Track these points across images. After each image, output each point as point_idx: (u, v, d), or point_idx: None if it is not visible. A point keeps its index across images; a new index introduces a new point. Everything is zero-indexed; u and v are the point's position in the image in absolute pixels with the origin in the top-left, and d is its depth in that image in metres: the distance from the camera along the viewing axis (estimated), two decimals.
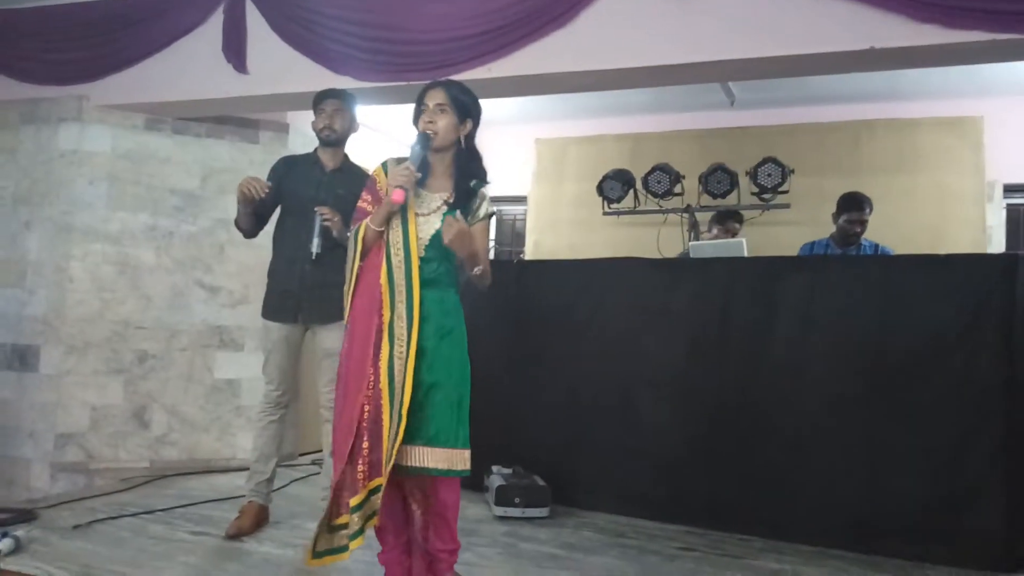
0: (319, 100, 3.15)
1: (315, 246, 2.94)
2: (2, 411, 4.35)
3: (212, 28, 4.04)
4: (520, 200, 6.30)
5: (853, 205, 4.14)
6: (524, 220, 6.37)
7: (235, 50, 3.90)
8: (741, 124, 5.64)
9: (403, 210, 2.29)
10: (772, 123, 5.60)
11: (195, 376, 4.52)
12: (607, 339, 3.70)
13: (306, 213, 3.00)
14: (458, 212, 2.31)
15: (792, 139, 5.43)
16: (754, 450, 3.31)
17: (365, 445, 2.19)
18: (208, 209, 4.56)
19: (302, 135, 4.70)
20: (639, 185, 5.26)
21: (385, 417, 2.19)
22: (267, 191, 2.95)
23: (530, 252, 6.04)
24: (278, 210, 3.21)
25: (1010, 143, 5.19)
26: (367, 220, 2.32)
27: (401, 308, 2.25)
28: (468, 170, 2.37)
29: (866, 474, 3.11)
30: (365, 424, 2.20)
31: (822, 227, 4.40)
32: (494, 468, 3.73)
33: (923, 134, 5.39)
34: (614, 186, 5.29)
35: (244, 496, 3.15)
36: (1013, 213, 5.39)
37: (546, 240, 5.99)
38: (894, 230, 4.76)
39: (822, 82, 4.94)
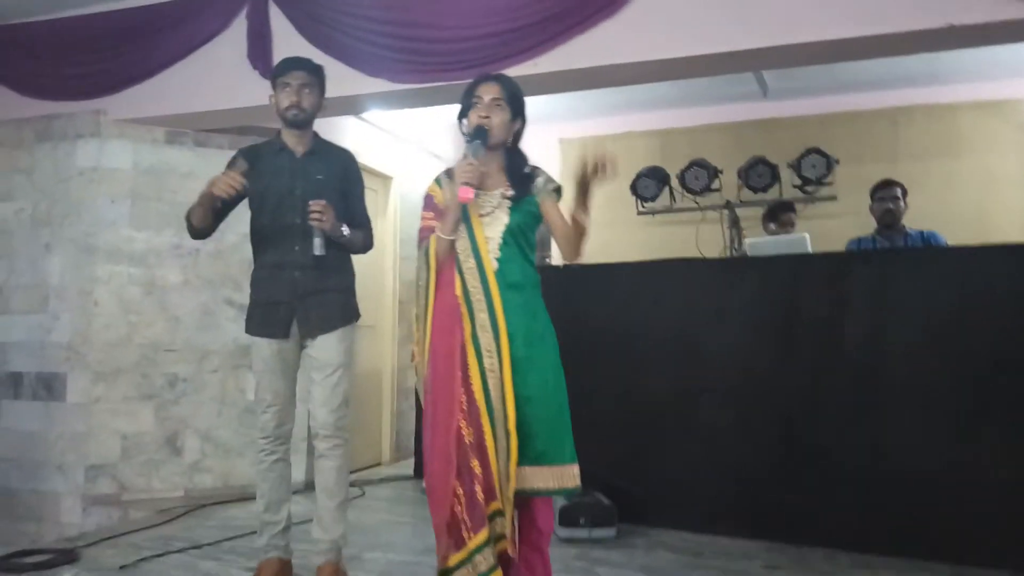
0: (282, 72, 2.63)
1: (317, 247, 2.48)
2: (29, 444, 4.17)
3: (234, 34, 3.87)
4: None
5: (881, 185, 4.09)
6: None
7: (261, 55, 3.72)
8: (775, 115, 5.47)
9: (464, 215, 2.14)
10: (807, 113, 5.43)
11: (228, 398, 4.33)
12: (665, 344, 3.54)
13: (283, 210, 2.57)
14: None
15: (828, 129, 5.27)
16: (832, 456, 3.14)
17: (475, 464, 2.01)
18: (234, 223, 4.24)
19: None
20: (674, 182, 5.10)
21: (489, 439, 2.02)
22: (241, 186, 2.49)
23: (560, 256, 5.85)
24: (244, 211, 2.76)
25: None
26: (436, 231, 2.15)
27: (483, 317, 2.09)
28: (519, 163, 2.23)
29: (956, 481, 2.94)
30: (470, 446, 2.02)
31: (865, 217, 4.23)
32: None
33: (963, 118, 5.23)
34: (648, 184, 5.13)
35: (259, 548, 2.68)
36: None
37: None
38: (937, 217, 4.59)
39: (857, 68, 4.77)
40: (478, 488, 1.98)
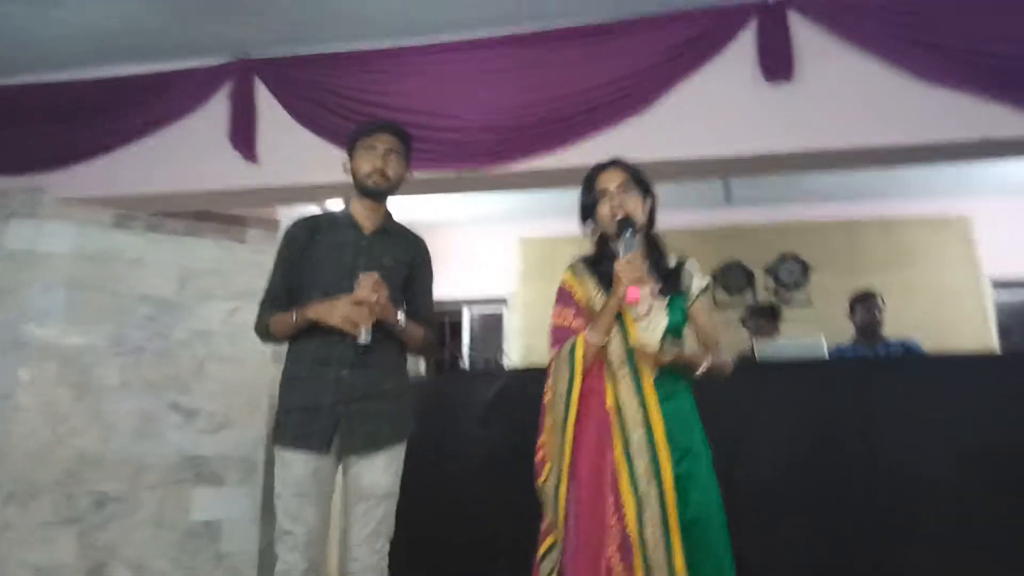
0: (367, 133, 2.32)
1: (363, 335, 2.11)
2: None
3: (209, 112, 3.54)
4: (501, 302, 5.89)
5: (861, 295, 4.17)
6: (501, 321, 5.95)
7: (244, 136, 3.39)
8: (739, 222, 5.53)
9: (618, 316, 1.93)
10: (770, 221, 5.53)
11: (166, 520, 3.71)
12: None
13: (338, 292, 2.18)
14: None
15: (791, 237, 5.37)
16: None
17: None
18: (185, 318, 3.88)
19: None
20: None
21: (639, 570, 1.76)
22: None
23: (521, 356, 5.60)
24: None
25: (997, 241, 5.30)
26: (585, 335, 1.93)
27: (639, 435, 1.86)
28: (661, 252, 2.06)
29: None
30: None
31: (840, 323, 4.25)
32: None
33: (915, 232, 5.45)
34: None
35: None
36: (1005, 308, 5.45)
37: (540, 343, 5.55)
38: (894, 327, 4.67)
39: (817, 180, 4.94)
40: None
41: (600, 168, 2.11)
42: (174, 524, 3.72)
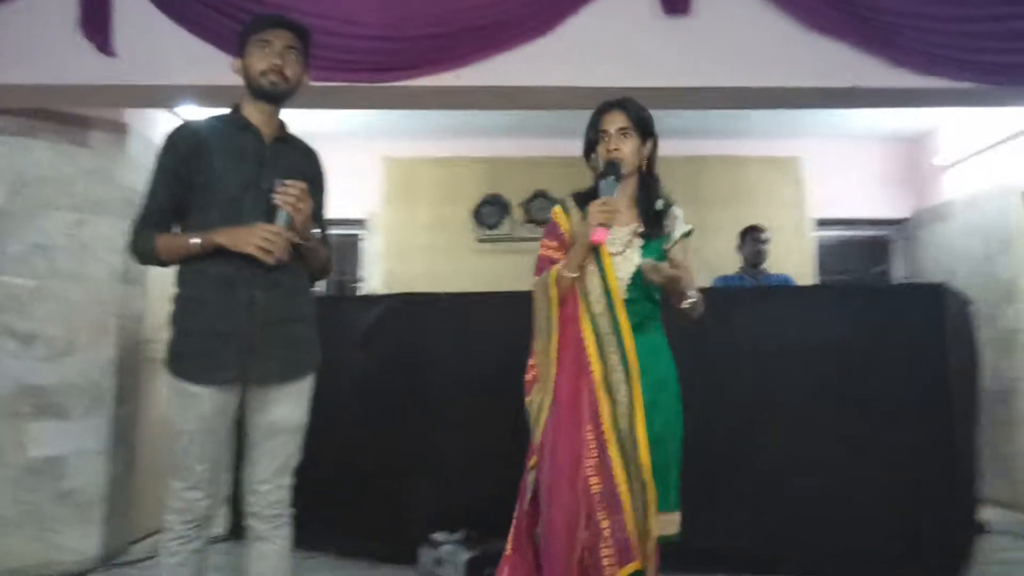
0: (260, 28, 2.04)
1: (281, 219, 1.92)
2: None
3: None
4: (360, 223, 5.68)
5: (750, 228, 4.52)
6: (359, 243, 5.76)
7: (99, 25, 2.95)
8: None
9: (595, 251, 2.02)
10: None
11: (2, 456, 3.33)
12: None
13: (242, 205, 1.96)
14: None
15: None
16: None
17: (605, 525, 1.86)
18: (19, 230, 3.42)
19: (143, 140, 3.77)
20: (516, 212, 5.05)
21: (623, 488, 1.90)
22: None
23: (382, 281, 5.48)
24: None
25: (821, 182, 5.84)
26: (558, 267, 2.02)
27: (614, 360, 1.98)
28: (651, 193, 2.13)
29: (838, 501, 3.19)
30: (598, 500, 1.88)
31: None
32: (437, 536, 3.24)
33: (752, 171, 5.87)
34: (491, 211, 5.01)
35: None
36: (824, 242, 6.06)
37: (401, 268, 5.47)
38: (731, 260, 5.07)
39: (664, 117, 5.13)
40: (604, 548, 1.85)
41: (604, 107, 2.13)
42: (12, 460, 3.36)
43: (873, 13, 2.92)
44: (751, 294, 3.96)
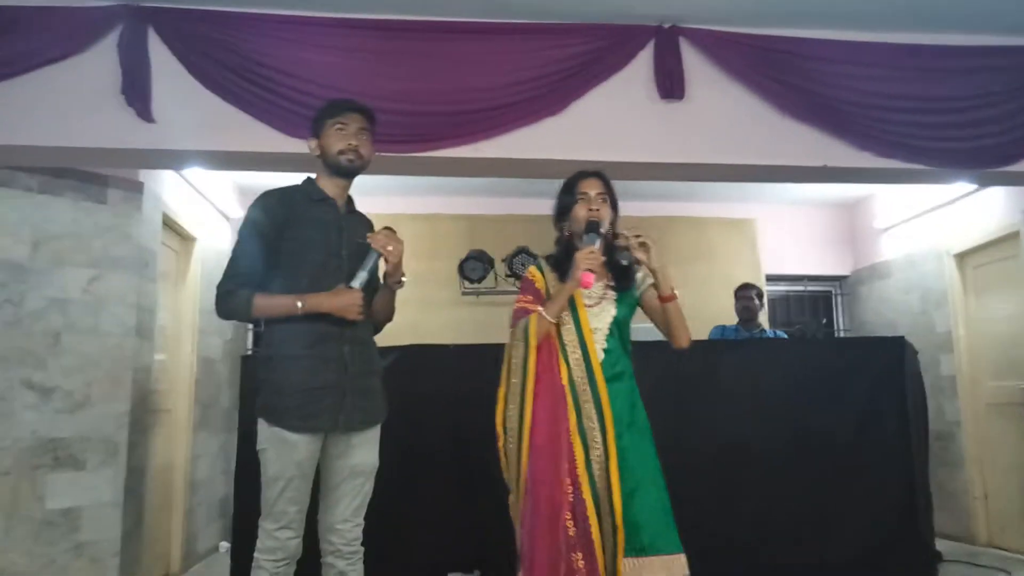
0: (337, 111, 2.32)
1: (359, 281, 2.18)
2: None
3: (91, 61, 3.20)
4: None
5: (742, 287, 4.92)
6: None
7: (139, 92, 3.13)
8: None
9: (571, 305, 2.23)
10: None
11: (20, 508, 3.36)
12: None
13: (327, 272, 2.21)
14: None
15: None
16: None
17: (580, 563, 2.01)
18: (40, 285, 3.50)
19: (154, 197, 3.93)
20: (500, 267, 5.33)
21: (596, 535, 2.05)
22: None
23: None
24: None
25: (773, 242, 6.35)
26: (541, 310, 2.19)
27: (589, 408, 2.16)
28: (618, 253, 2.33)
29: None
30: (575, 540, 2.03)
31: None
32: None
33: (712, 231, 6.33)
34: (476, 266, 5.28)
35: None
36: (773, 295, 6.54)
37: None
38: (696, 315, 5.45)
39: (634, 181, 5.55)
40: None
41: (583, 175, 2.37)
42: (29, 513, 3.39)
43: (840, 104, 3.36)
44: (731, 345, 4.32)
